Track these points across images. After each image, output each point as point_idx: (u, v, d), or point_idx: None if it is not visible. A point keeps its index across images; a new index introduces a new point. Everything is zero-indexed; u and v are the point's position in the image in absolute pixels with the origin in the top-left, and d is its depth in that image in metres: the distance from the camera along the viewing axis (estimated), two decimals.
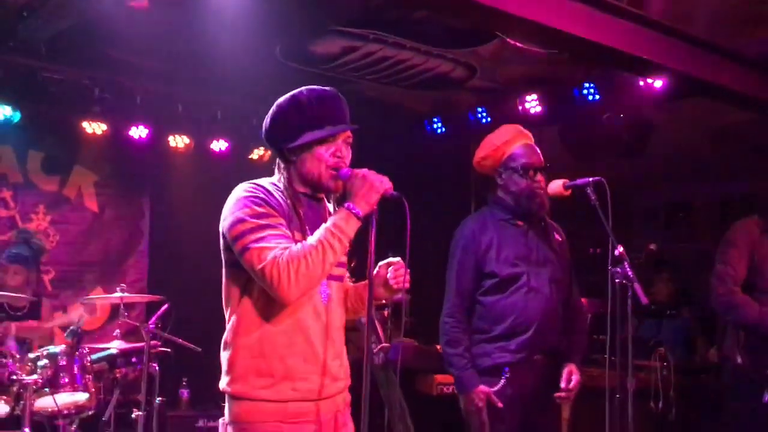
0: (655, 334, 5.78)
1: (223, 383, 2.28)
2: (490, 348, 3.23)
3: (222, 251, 2.29)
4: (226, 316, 2.31)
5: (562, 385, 3.25)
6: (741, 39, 4.58)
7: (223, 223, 2.23)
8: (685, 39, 4.16)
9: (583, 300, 5.11)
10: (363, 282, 2.47)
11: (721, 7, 4.24)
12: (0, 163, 6.07)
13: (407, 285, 2.36)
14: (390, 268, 2.37)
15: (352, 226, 2.20)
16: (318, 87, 2.33)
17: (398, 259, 2.36)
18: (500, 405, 3.15)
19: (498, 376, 3.18)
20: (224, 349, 2.29)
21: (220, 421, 2.34)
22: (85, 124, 6.01)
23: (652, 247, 6.00)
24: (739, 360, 3.88)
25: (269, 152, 6.66)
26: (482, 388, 3.16)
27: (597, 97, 5.47)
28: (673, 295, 6.26)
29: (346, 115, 2.32)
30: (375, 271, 2.35)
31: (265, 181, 2.32)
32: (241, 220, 2.17)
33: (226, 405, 2.29)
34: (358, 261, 2.60)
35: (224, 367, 2.28)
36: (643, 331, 5.82)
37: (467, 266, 3.29)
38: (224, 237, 2.24)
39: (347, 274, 2.52)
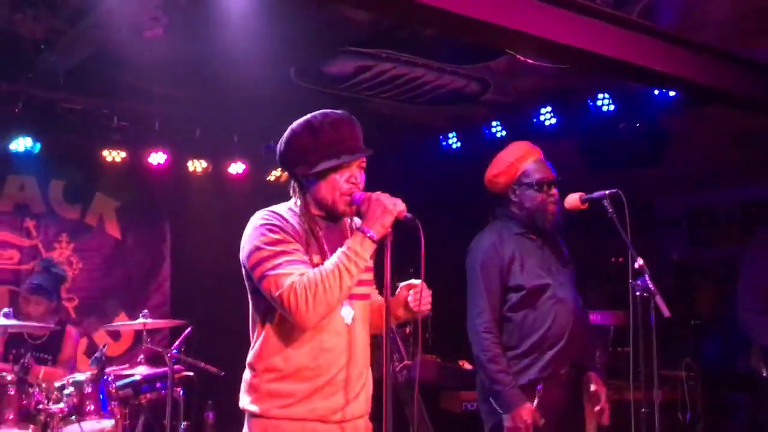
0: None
1: (244, 402, 2.30)
2: (521, 365, 3.22)
3: (245, 279, 2.32)
4: (251, 340, 2.34)
5: (594, 400, 3.24)
6: (753, 46, 4.55)
7: (242, 253, 2.27)
8: (696, 48, 4.15)
9: (606, 312, 5.12)
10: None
11: (732, 15, 4.22)
12: (22, 194, 6.16)
13: (429, 307, 2.36)
14: (411, 291, 2.38)
15: (368, 249, 2.22)
16: (331, 111, 2.35)
17: (419, 281, 2.37)
18: (542, 422, 3.12)
19: (531, 392, 3.17)
20: (247, 370, 2.33)
21: None
22: (105, 152, 6.09)
23: (675, 257, 5.94)
24: (765, 373, 3.84)
25: (286, 174, 6.69)
26: (529, 405, 3.13)
27: (612, 107, 5.45)
28: (717, 306, 6.12)
29: (360, 140, 2.34)
30: (396, 292, 2.38)
31: (281, 207, 2.35)
32: (257, 249, 2.21)
33: (246, 423, 2.31)
34: (376, 281, 2.61)
35: (244, 386, 2.32)
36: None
37: (493, 279, 3.27)
38: (244, 266, 2.28)
39: (374, 289, 2.52)
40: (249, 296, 2.34)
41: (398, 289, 2.40)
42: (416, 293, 2.36)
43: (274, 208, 2.34)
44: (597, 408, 3.24)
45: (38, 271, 5.24)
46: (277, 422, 2.23)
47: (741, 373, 5.44)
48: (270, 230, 2.23)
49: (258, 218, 2.29)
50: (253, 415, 2.27)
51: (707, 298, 6.17)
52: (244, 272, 2.30)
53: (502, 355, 3.20)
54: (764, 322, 3.78)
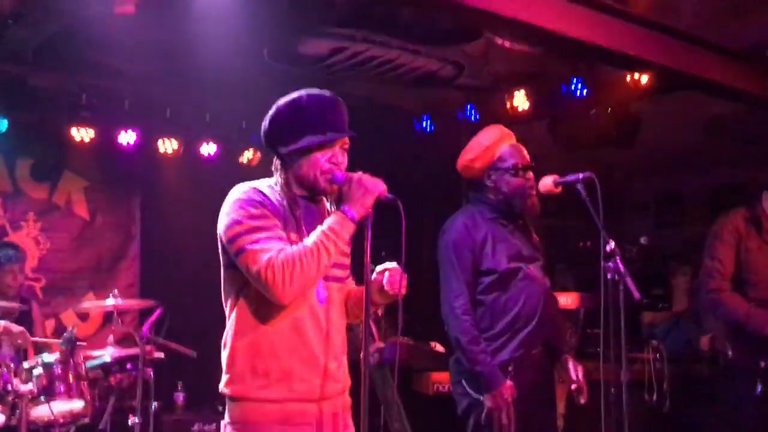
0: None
1: (222, 384, 2.29)
2: (493, 346, 3.24)
3: (220, 254, 2.30)
4: (226, 317, 2.33)
5: (572, 376, 3.28)
6: (726, 31, 4.61)
7: (219, 226, 2.25)
8: (670, 33, 4.19)
9: (575, 294, 5.18)
10: (362, 286, 2.49)
11: (705, 1, 4.27)
12: None
13: (404, 291, 2.36)
14: (386, 274, 2.38)
15: (347, 229, 2.23)
16: (318, 91, 2.34)
17: (394, 264, 2.37)
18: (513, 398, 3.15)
19: (504, 372, 3.20)
20: (223, 348, 2.31)
21: (222, 423, 2.35)
22: (73, 131, 5.99)
23: (644, 240, 6.01)
24: (731, 353, 3.91)
25: (258, 155, 6.66)
26: (509, 383, 3.16)
27: (585, 92, 5.49)
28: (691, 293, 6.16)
29: (345, 121, 2.34)
30: (372, 277, 2.36)
31: (262, 183, 2.34)
32: (236, 222, 2.19)
33: (226, 407, 2.30)
34: (354, 264, 2.61)
35: (224, 367, 2.30)
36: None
37: (467, 262, 3.28)
38: (220, 239, 2.26)
39: (349, 277, 2.52)
40: (223, 272, 2.32)
41: (373, 273, 2.40)
42: (393, 276, 2.36)
43: (254, 183, 2.32)
44: (574, 386, 3.28)
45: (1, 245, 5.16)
46: (256, 404, 2.23)
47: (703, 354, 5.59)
48: (250, 204, 2.22)
49: (238, 192, 2.28)
50: (232, 399, 2.27)
51: (683, 286, 6.26)
52: (220, 246, 2.28)
53: (480, 336, 3.23)
54: (727, 301, 3.84)
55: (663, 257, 6.72)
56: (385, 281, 2.37)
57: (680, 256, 6.67)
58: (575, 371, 3.29)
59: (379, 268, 2.41)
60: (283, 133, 2.31)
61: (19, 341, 4.38)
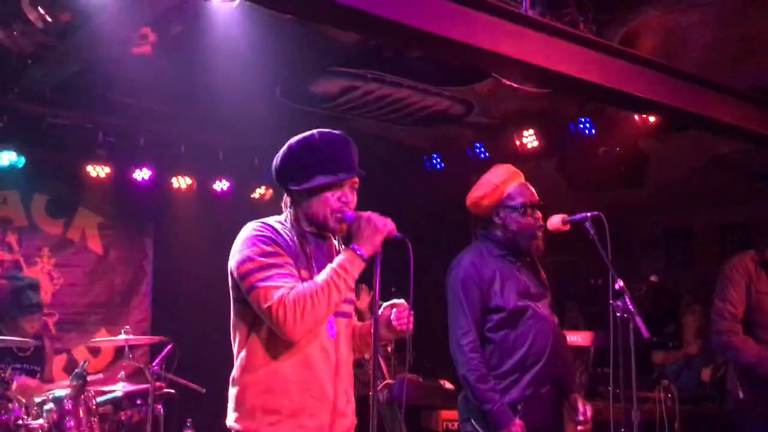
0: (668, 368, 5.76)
1: (231, 420, 2.29)
2: (502, 385, 3.23)
3: (231, 289, 2.32)
4: (235, 353, 2.34)
5: (580, 417, 3.27)
6: (732, 73, 4.66)
7: (232, 261, 2.28)
8: (676, 75, 4.24)
9: (585, 332, 5.16)
10: (368, 321, 2.51)
11: (712, 43, 4.33)
12: (5, 207, 6.12)
13: (411, 327, 2.39)
14: (393, 310, 2.41)
15: (357, 267, 2.26)
16: (329, 131, 2.38)
17: (402, 301, 2.40)
18: None
19: (513, 411, 3.18)
20: (232, 385, 2.32)
21: None
22: (89, 168, 6.08)
23: (653, 278, 6.00)
24: (741, 395, 3.89)
25: (270, 191, 6.73)
26: (519, 422, 3.14)
27: (593, 131, 5.54)
28: (702, 332, 6.10)
29: (355, 161, 2.37)
30: (380, 312, 2.39)
31: (272, 220, 2.37)
32: (249, 259, 2.22)
33: None
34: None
35: (231, 403, 2.31)
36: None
37: (475, 299, 3.27)
38: (232, 275, 2.28)
39: (354, 313, 2.55)
40: (233, 307, 2.34)
41: (381, 309, 2.43)
42: (400, 312, 2.39)
43: (265, 220, 2.36)
44: (581, 428, 3.27)
45: (18, 287, 5.16)
46: None
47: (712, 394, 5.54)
48: (262, 241, 2.25)
49: (250, 229, 2.31)
50: None
51: (694, 324, 6.22)
52: (230, 282, 2.30)
53: (489, 374, 3.22)
54: (739, 344, 3.83)
55: (673, 295, 6.69)
56: (393, 317, 2.40)
57: (691, 294, 6.64)
58: (584, 410, 3.28)
59: (386, 304, 2.43)
60: (294, 172, 2.35)
61: (32, 392, 4.40)
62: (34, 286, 5.08)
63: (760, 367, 3.76)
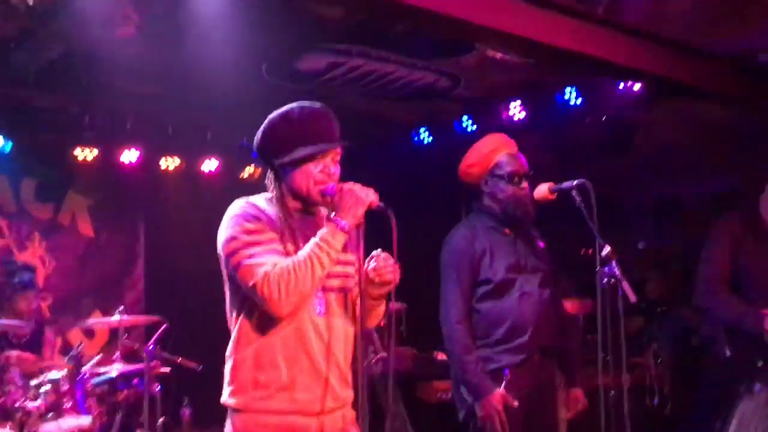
0: (656, 332, 5.85)
1: (225, 396, 2.33)
2: (491, 353, 3.29)
3: (222, 268, 2.35)
4: (230, 330, 2.37)
5: (569, 414, 3.36)
6: (716, 37, 4.67)
7: (218, 241, 2.30)
8: (662, 42, 4.25)
9: (575, 300, 5.22)
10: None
11: (698, 7, 4.33)
12: None
13: (396, 276, 2.36)
14: (372, 263, 2.37)
15: (339, 240, 2.27)
16: (309, 103, 2.38)
17: (378, 251, 2.37)
18: (516, 404, 3.20)
19: (499, 378, 3.24)
20: (226, 362, 2.35)
21: None
22: (77, 151, 6.07)
23: (641, 245, 6.08)
24: (728, 353, 3.94)
25: (260, 170, 6.74)
26: (500, 391, 3.20)
27: (579, 101, 5.55)
28: (665, 293, 6.34)
29: (336, 132, 2.37)
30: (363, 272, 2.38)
31: (258, 197, 2.39)
32: (233, 238, 2.25)
33: (228, 418, 2.33)
34: None
35: (226, 378, 2.34)
36: (646, 330, 5.88)
37: (465, 272, 3.33)
38: (220, 255, 2.31)
39: (353, 285, 2.46)
40: (226, 286, 2.36)
41: (365, 267, 2.39)
42: (378, 261, 2.35)
43: (251, 198, 2.37)
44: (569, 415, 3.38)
45: (12, 270, 5.20)
46: (257, 416, 2.26)
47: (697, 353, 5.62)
48: (246, 219, 2.27)
49: (235, 207, 2.33)
50: (233, 410, 2.30)
51: (656, 286, 6.36)
52: (221, 261, 2.33)
53: (473, 345, 3.27)
54: (725, 304, 3.87)
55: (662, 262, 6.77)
56: (370, 269, 2.37)
57: (679, 261, 6.73)
58: (574, 407, 3.38)
59: (368, 259, 2.40)
60: (275, 146, 2.36)
61: (29, 366, 4.43)
62: (28, 266, 5.13)
63: (743, 323, 3.79)
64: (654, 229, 8.48)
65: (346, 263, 2.39)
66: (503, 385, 3.22)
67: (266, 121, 2.40)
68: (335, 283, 2.39)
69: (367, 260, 2.39)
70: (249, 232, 2.25)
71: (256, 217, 2.29)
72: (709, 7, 4.31)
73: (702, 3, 4.24)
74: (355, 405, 2.42)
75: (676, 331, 6.13)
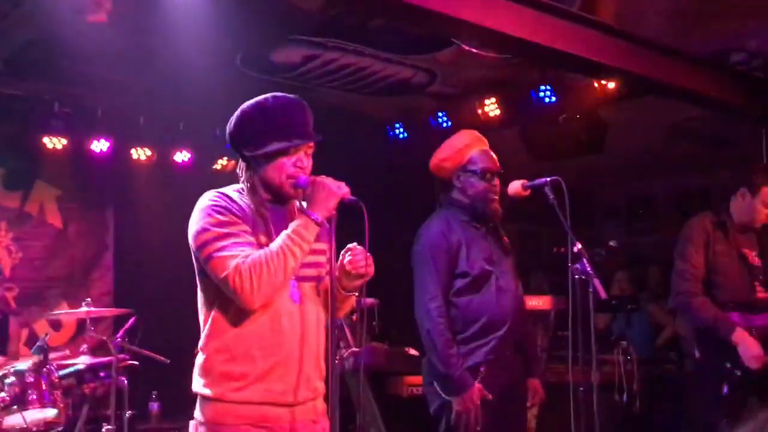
0: (624, 329, 5.90)
1: (197, 385, 2.30)
2: (465, 349, 3.29)
3: (194, 260, 2.32)
4: (201, 322, 2.34)
5: (530, 402, 3.45)
6: (691, 38, 4.72)
7: (189, 234, 2.28)
8: (636, 41, 4.28)
9: (547, 297, 5.26)
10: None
11: (672, 7, 4.37)
12: None
13: (370, 270, 2.36)
14: (347, 255, 2.37)
15: (312, 232, 2.26)
16: (283, 95, 2.35)
17: (354, 244, 2.38)
18: (491, 397, 3.21)
19: (475, 374, 3.24)
20: (198, 353, 2.33)
21: (192, 422, 2.36)
22: (45, 140, 5.97)
23: (613, 243, 6.14)
24: (698, 355, 3.99)
25: (232, 162, 6.67)
26: (478, 386, 3.21)
27: (554, 99, 5.58)
28: (631, 290, 6.44)
29: (310, 125, 2.35)
30: (337, 264, 2.38)
31: (229, 189, 2.36)
32: (204, 230, 2.22)
33: (198, 405, 2.31)
34: None
35: (197, 370, 2.31)
36: (614, 327, 5.94)
37: (442, 264, 3.31)
38: (191, 247, 2.28)
39: (325, 275, 2.45)
40: (197, 278, 2.34)
41: (339, 259, 2.40)
42: (355, 255, 2.36)
43: (222, 189, 2.35)
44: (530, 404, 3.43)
45: None
46: (231, 406, 2.24)
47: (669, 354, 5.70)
48: (217, 211, 2.25)
49: (205, 199, 2.30)
50: (206, 398, 2.27)
51: (626, 283, 6.46)
52: (192, 254, 2.30)
53: (453, 339, 3.27)
54: (697, 305, 3.91)
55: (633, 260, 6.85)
56: (346, 262, 2.37)
57: (650, 259, 6.81)
58: (533, 396, 3.44)
59: (342, 252, 2.40)
60: (247, 137, 2.33)
61: None
62: None
63: (718, 329, 3.85)
64: (625, 227, 8.57)
65: (319, 252, 2.38)
66: (479, 379, 3.23)
67: (239, 112, 2.37)
68: (310, 272, 2.38)
69: (342, 252, 2.39)
70: (220, 224, 2.23)
71: (227, 208, 2.27)
72: (683, 7, 4.35)
73: (676, 3, 4.28)
74: (326, 397, 2.41)
75: (645, 328, 6.21)
